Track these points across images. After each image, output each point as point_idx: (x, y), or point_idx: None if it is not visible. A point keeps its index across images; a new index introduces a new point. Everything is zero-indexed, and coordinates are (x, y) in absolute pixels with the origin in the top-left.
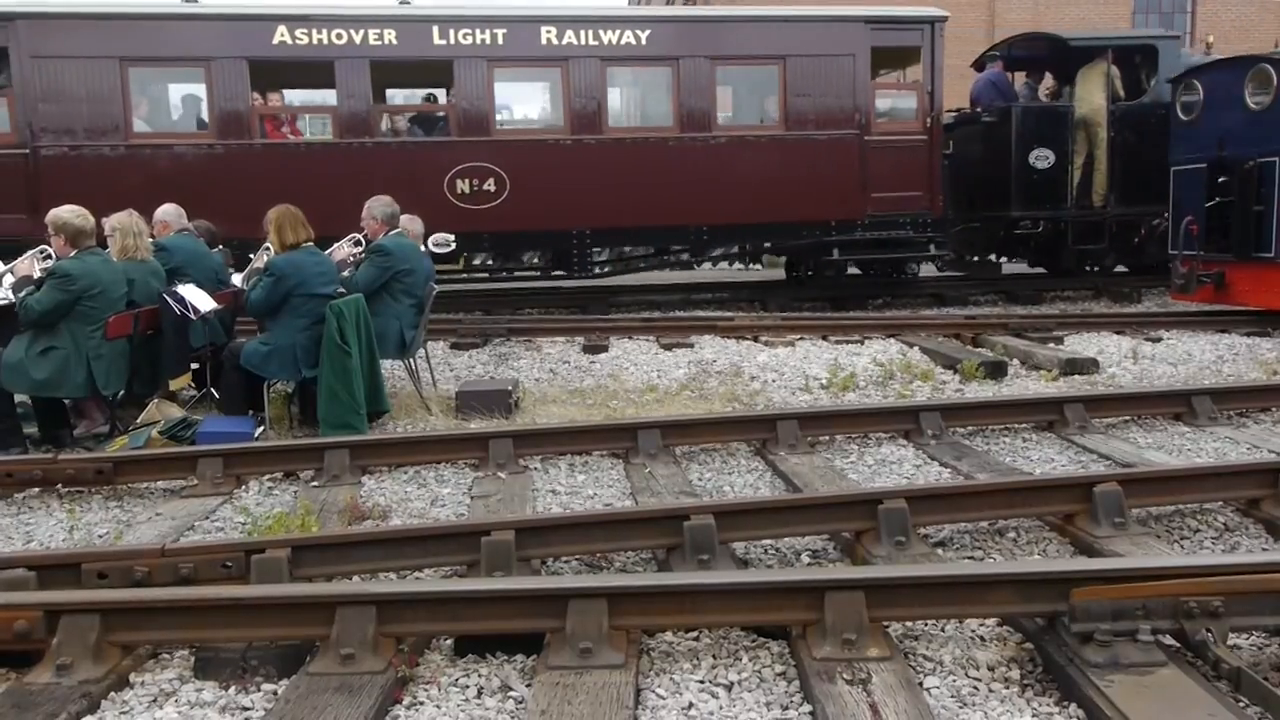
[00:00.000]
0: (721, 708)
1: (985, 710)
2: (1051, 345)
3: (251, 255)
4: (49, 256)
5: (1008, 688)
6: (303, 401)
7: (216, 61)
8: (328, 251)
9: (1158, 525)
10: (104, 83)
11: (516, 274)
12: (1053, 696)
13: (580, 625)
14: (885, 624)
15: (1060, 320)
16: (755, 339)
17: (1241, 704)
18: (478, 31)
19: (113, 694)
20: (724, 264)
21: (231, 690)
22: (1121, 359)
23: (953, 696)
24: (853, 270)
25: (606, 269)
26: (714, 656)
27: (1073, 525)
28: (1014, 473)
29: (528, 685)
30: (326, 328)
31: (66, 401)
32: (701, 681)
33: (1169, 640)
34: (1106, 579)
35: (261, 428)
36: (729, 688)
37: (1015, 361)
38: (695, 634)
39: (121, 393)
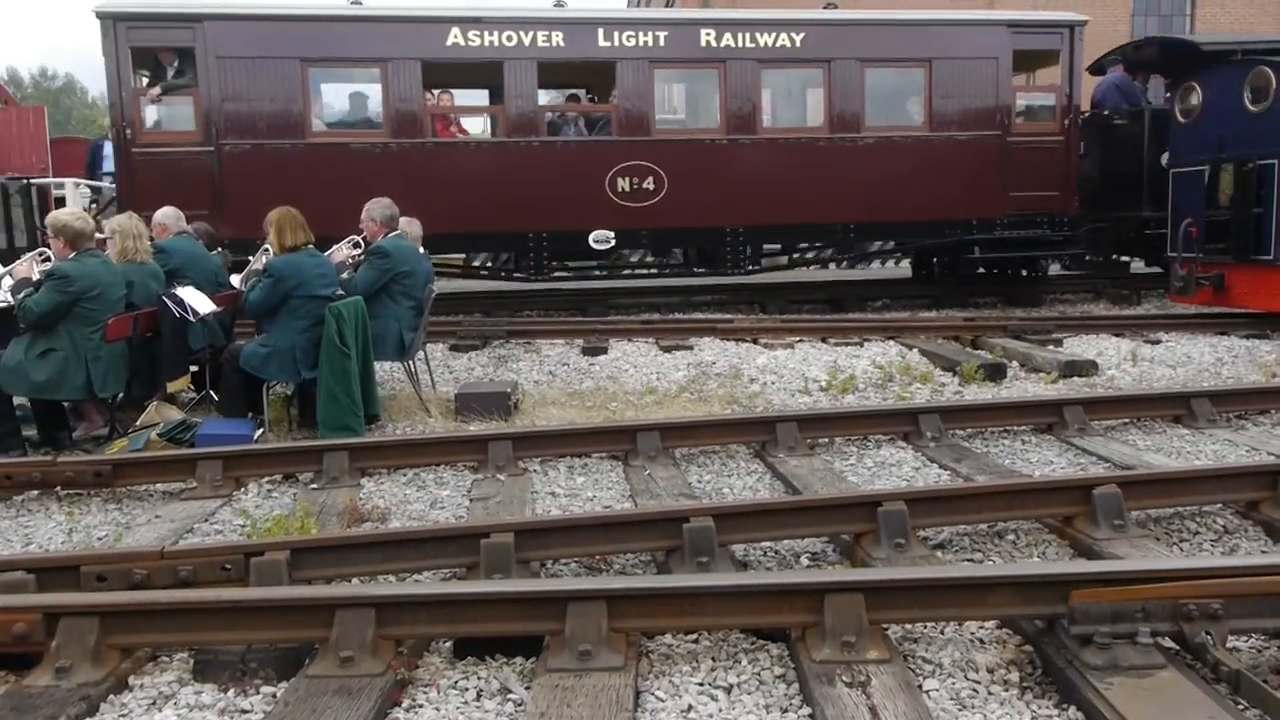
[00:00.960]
0: (721, 710)
1: (985, 713)
2: (1051, 347)
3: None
4: (48, 258)
5: (1007, 690)
6: (302, 404)
7: (392, 62)
8: (327, 253)
9: (1157, 527)
10: (285, 82)
11: (669, 270)
12: (1052, 699)
13: (579, 627)
14: (884, 626)
15: (1059, 322)
16: (754, 341)
17: (1241, 706)
18: (640, 33)
19: (112, 696)
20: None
21: (230, 693)
22: (1120, 361)
23: (952, 699)
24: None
25: (759, 266)
26: (713, 659)
27: (1072, 527)
28: (1013, 475)
29: (527, 687)
30: (326, 330)
31: (65, 404)
32: (701, 684)
33: (1168, 643)
34: (1106, 581)
35: (260, 430)
36: (728, 690)
37: (1014, 364)
38: (695, 636)
39: (120, 395)
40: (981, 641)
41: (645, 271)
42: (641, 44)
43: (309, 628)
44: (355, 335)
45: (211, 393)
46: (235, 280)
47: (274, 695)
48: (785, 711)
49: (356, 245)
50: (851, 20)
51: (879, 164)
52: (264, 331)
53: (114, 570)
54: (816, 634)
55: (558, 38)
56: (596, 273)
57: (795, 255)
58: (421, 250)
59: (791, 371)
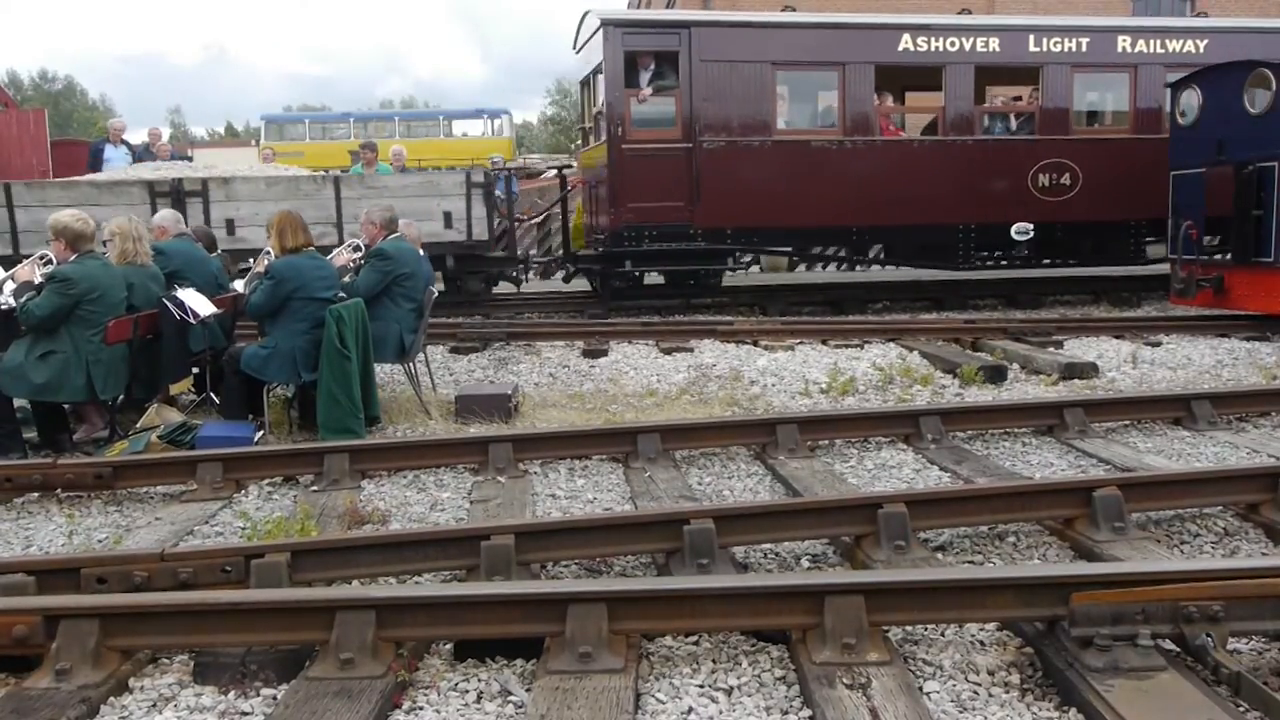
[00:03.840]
0: (721, 712)
1: (985, 715)
2: (1051, 349)
3: None
4: (49, 261)
5: (1008, 692)
6: (302, 406)
7: (850, 66)
8: (330, 256)
9: (1157, 530)
10: (756, 84)
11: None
12: (1052, 701)
13: (580, 629)
14: (885, 628)
15: (1060, 324)
16: (755, 343)
17: (1241, 709)
18: (1065, 40)
19: (112, 699)
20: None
21: (231, 695)
22: (1121, 363)
23: (953, 701)
24: None
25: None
26: (714, 661)
27: (1072, 530)
28: (1014, 477)
29: (527, 689)
30: (326, 332)
31: (66, 406)
32: (701, 686)
33: (1169, 645)
34: (1106, 583)
35: (261, 432)
36: (729, 692)
37: (1015, 366)
38: (695, 638)
39: (121, 397)
40: (982, 643)
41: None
42: (1065, 49)
43: (309, 630)
44: (355, 337)
45: (212, 395)
46: (238, 284)
47: (274, 697)
48: (786, 713)
49: (356, 249)
50: (1249, 28)
51: None
52: (265, 334)
53: (114, 572)
54: (817, 636)
55: (994, 43)
56: (1010, 264)
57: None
58: (420, 252)
59: (792, 373)
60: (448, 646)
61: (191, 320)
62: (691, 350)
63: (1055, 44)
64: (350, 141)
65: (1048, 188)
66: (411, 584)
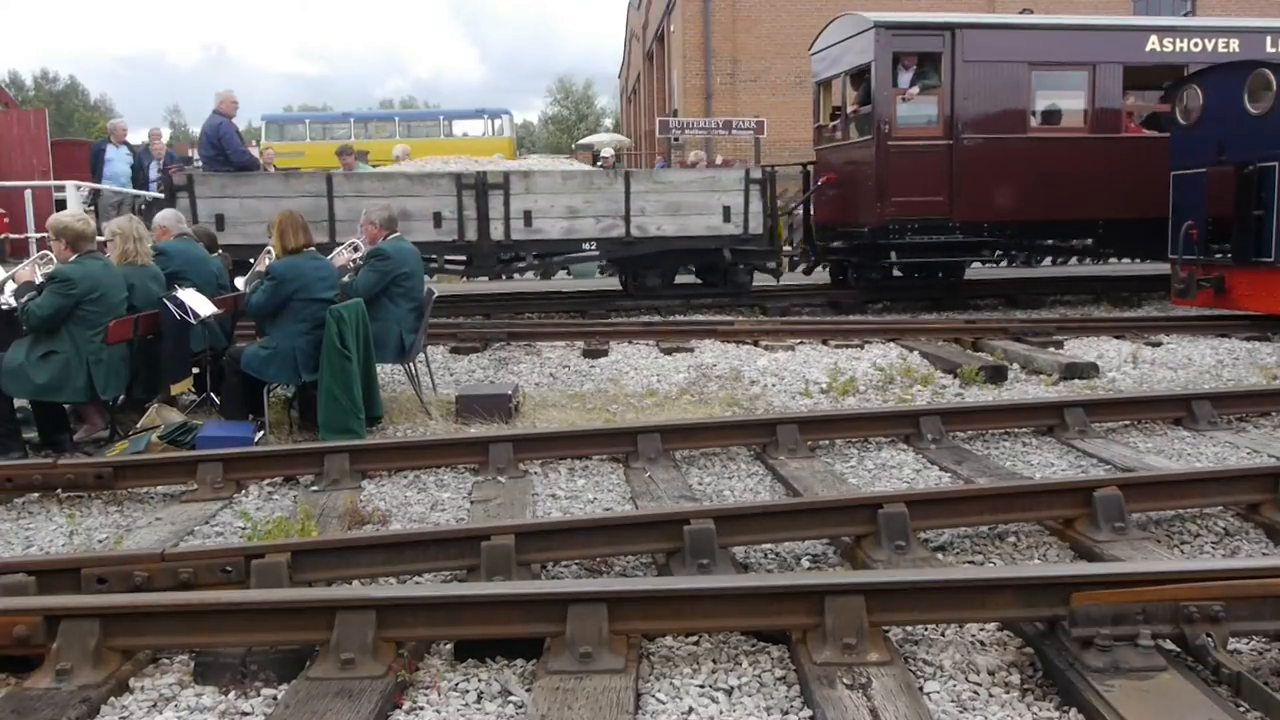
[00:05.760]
0: (721, 712)
1: (985, 715)
2: (1051, 350)
3: None
4: (50, 261)
5: (1008, 692)
6: (302, 406)
7: (1100, 66)
8: (330, 256)
9: (1158, 530)
10: (1013, 83)
11: None
12: (1053, 701)
13: (580, 630)
14: (885, 628)
15: (1060, 324)
16: (755, 343)
17: (1242, 709)
18: None
19: (112, 699)
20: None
21: (231, 695)
22: (1121, 363)
23: (953, 701)
24: None
25: None
26: (714, 661)
27: (1073, 530)
28: (1014, 477)
29: (527, 690)
30: (326, 332)
31: (66, 406)
32: (701, 686)
33: (1169, 645)
34: (1107, 583)
35: (261, 432)
36: (729, 692)
37: (1015, 366)
38: (695, 638)
39: (121, 397)
40: (982, 644)
41: None
42: None
43: (310, 630)
44: (356, 337)
45: (212, 395)
46: (239, 283)
47: (274, 697)
48: (786, 714)
49: (356, 249)
50: None
51: None
52: (265, 334)
53: (115, 572)
54: (817, 636)
55: (1234, 44)
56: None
57: None
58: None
59: (792, 374)
60: (448, 646)
61: (192, 320)
62: (692, 350)
63: None
64: (350, 141)
65: None
66: (412, 584)
